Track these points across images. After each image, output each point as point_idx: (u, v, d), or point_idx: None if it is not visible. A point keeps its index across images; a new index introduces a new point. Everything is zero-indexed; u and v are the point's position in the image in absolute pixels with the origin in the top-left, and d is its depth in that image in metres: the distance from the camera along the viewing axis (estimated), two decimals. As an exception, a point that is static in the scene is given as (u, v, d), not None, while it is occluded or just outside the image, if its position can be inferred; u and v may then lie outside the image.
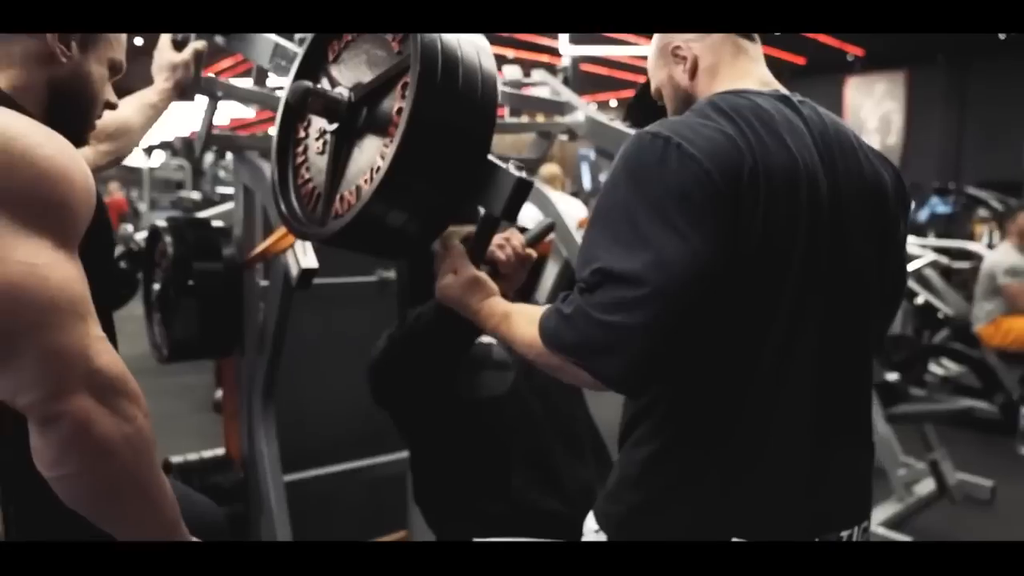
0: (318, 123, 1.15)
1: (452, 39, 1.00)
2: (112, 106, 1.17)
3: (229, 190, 6.11)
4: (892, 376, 3.56)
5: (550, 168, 4.51)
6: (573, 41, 11.57)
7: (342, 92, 1.08)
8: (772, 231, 0.92)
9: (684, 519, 0.97)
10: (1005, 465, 3.88)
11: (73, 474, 0.83)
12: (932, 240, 5.16)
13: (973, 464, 3.63)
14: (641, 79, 1.29)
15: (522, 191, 1.03)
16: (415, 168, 0.97)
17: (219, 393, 2.89)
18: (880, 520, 3.03)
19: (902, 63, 14.70)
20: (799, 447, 0.97)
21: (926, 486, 3.30)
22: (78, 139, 1.03)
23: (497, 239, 1.29)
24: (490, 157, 1.05)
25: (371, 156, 1.04)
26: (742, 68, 1.08)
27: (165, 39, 1.59)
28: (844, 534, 1.01)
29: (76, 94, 1.05)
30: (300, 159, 1.18)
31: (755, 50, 1.11)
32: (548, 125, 2.08)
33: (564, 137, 2.14)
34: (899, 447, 3.40)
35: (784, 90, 1.07)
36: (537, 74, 2.19)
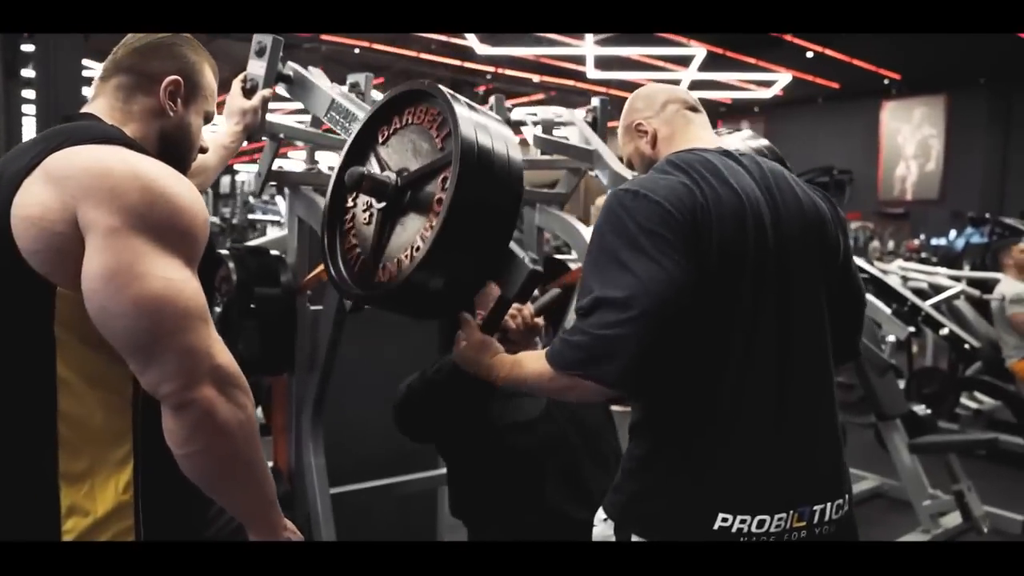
0: (365, 197, 1.36)
1: (487, 138, 1.22)
2: (204, 150, 1.42)
3: (261, 216, 6.45)
4: (920, 409, 3.72)
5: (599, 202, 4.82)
6: (598, 67, 11.86)
7: (390, 176, 1.29)
8: (725, 256, 1.20)
9: (672, 501, 1.24)
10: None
11: (199, 451, 1.06)
12: (963, 272, 5.30)
13: (1006, 499, 3.74)
14: None
15: (534, 280, 1.26)
16: (449, 252, 1.19)
17: (258, 414, 3.14)
18: (905, 550, 3.19)
19: (941, 87, 14.67)
20: (763, 439, 1.23)
21: (954, 519, 3.44)
22: None
23: (511, 310, 1.53)
24: (511, 246, 1.28)
25: (412, 234, 1.25)
26: (692, 134, 1.41)
27: (236, 87, 1.85)
28: (817, 508, 1.25)
29: (180, 141, 1.30)
30: (348, 225, 1.39)
31: (701, 119, 1.45)
32: (576, 162, 2.31)
33: (593, 173, 2.37)
34: (927, 480, 3.56)
35: (725, 147, 1.37)
36: (567, 114, 2.42)
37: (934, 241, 13.12)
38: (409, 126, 1.34)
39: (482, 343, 1.39)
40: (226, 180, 12.10)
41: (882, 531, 3.39)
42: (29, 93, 9.65)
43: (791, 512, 1.23)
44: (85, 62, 8.24)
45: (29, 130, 11.88)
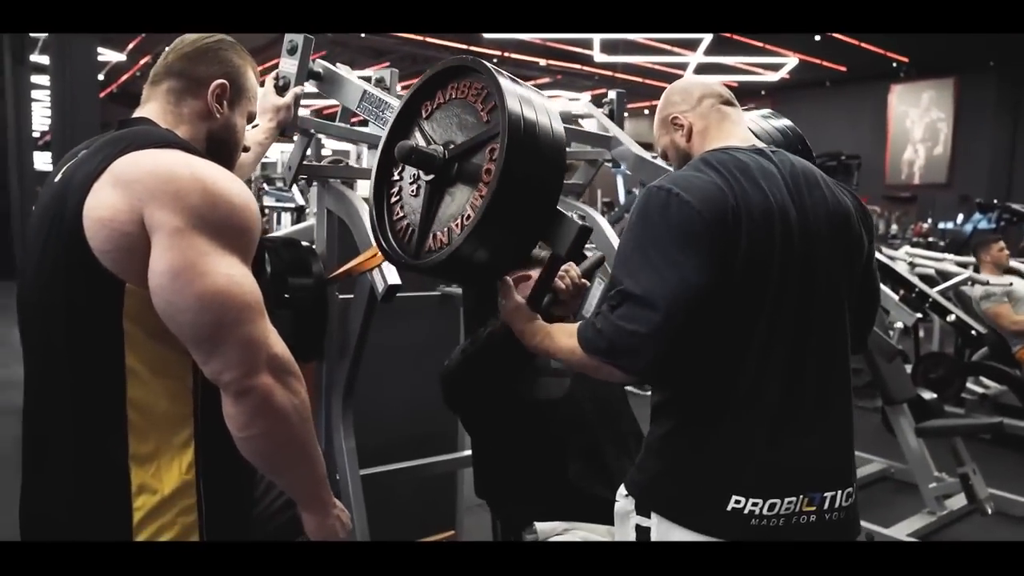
0: (411, 169, 1.42)
1: (531, 111, 1.28)
2: (247, 149, 1.50)
3: (274, 204, 6.54)
4: (927, 394, 3.79)
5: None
6: (604, 51, 11.87)
7: (437, 149, 1.36)
8: (753, 255, 1.27)
9: (688, 482, 1.32)
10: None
11: (258, 435, 1.15)
12: (971, 258, 5.35)
13: (1011, 482, 3.83)
14: (654, 83, 1.66)
15: (583, 236, 1.32)
16: (500, 219, 1.25)
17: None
18: (912, 531, 3.28)
19: (950, 70, 14.69)
20: (780, 425, 1.30)
21: (959, 501, 3.52)
22: None
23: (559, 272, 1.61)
24: (558, 207, 1.35)
25: (460, 204, 1.32)
26: (726, 130, 1.48)
27: (269, 85, 1.93)
28: (828, 495, 1.33)
29: (226, 141, 1.38)
30: (395, 199, 1.46)
31: (736, 114, 1.50)
32: (594, 153, 2.39)
33: (609, 164, 2.45)
34: (933, 463, 3.65)
35: (760, 144, 1.43)
36: (584, 106, 2.50)
37: (942, 225, 13.16)
38: (453, 101, 1.40)
39: (519, 307, 1.48)
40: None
41: (888, 513, 3.48)
42: (37, 79, 9.72)
43: (801, 497, 1.30)
44: (100, 49, 8.30)
45: (38, 116, 11.93)
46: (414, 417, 2.66)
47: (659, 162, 2.01)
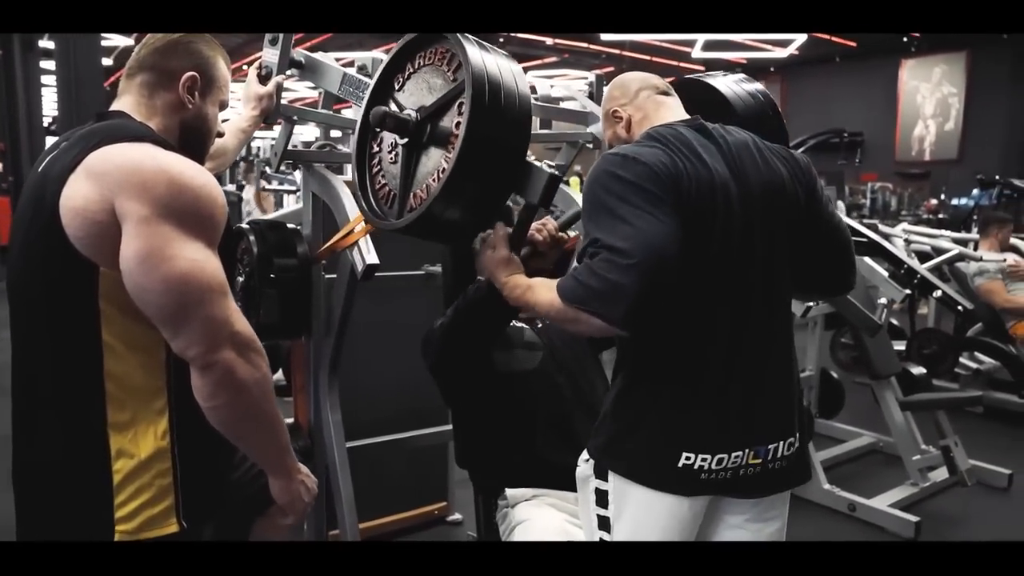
0: (388, 139, 1.51)
1: (494, 67, 1.36)
2: (220, 135, 1.59)
3: (276, 187, 6.64)
4: (917, 369, 3.86)
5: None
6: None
7: (410, 113, 1.44)
8: (698, 218, 1.35)
9: (641, 441, 1.41)
10: (1028, 456, 4.14)
11: (221, 405, 1.26)
12: (969, 235, 5.40)
13: (995, 454, 3.91)
14: (661, 61, 1.73)
15: (554, 183, 1.41)
16: (472, 170, 1.34)
17: (278, 376, 3.35)
18: (893, 501, 3.37)
19: (963, 44, 14.49)
20: (725, 383, 1.40)
21: (942, 473, 3.59)
22: (200, 161, 1.43)
23: (535, 225, 1.69)
24: (528, 158, 1.43)
25: (436, 162, 1.40)
26: (662, 115, 1.56)
27: (252, 74, 2.02)
28: (771, 446, 1.43)
29: (199, 130, 1.47)
30: (375, 168, 1.54)
31: (672, 101, 1.59)
32: (575, 135, 2.47)
33: (590, 145, 2.53)
34: (920, 436, 3.73)
35: (696, 120, 1.50)
36: (564, 89, 2.58)
37: (954, 201, 13.09)
38: (422, 68, 1.48)
39: (505, 259, 1.55)
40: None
41: (874, 484, 3.56)
42: (46, 64, 9.82)
43: (747, 450, 1.40)
44: (107, 34, 8.38)
45: (48, 101, 12.03)
46: (405, 392, 2.77)
47: None
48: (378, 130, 1.54)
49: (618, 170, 1.34)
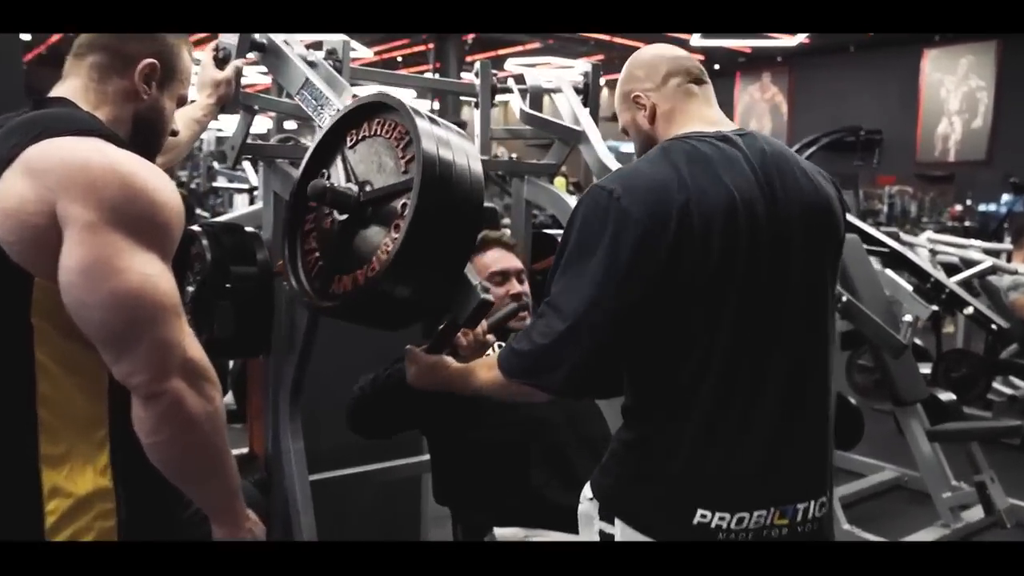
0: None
1: (448, 169, 1.38)
2: (175, 133, 1.57)
3: (226, 184, 6.60)
4: (944, 395, 3.90)
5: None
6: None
7: (352, 189, 1.47)
8: (711, 257, 1.34)
9: (653, 493, 1.41)
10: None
11: (165, 440, 1.24)
12: (1002, 245, 5.49)
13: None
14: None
15: (483, 308, 1.46)
16: (401, 280, 1.38)
17: (227, 399, 3.33)
18: (921, 544, 3.41)
19: (992, 32, 14.77)
20: (748, 435, 1.39)
21: (976, 513, 3.62)
22: (150, 160, 1.41)
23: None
24: (466, 271, 1.46)
25: (371, 249, 1.43)
26: (693, 113, 1.53)
27: (208, 58, 2.01)
28: (800, 506, 1.42)
29: (153, 124, 1.45)
30: (310, 226, 1.57)
31: (704, 93, 1.56)
32: (568, 130, 2.48)
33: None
34: (950, 471, 3.76)
35: (726, 129, 1.49)
36: (558, 80, 2.59)
37: (982, 207, 13.25)
38: (376, 136, 1.51)
39: (431, 366, 1.61)
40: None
41: (900, 525, 3.59)
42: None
43: (772, 509, 1.39)
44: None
45: None
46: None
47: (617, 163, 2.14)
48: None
49: (597, 213, 1.37)
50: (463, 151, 1.43)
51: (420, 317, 1.55)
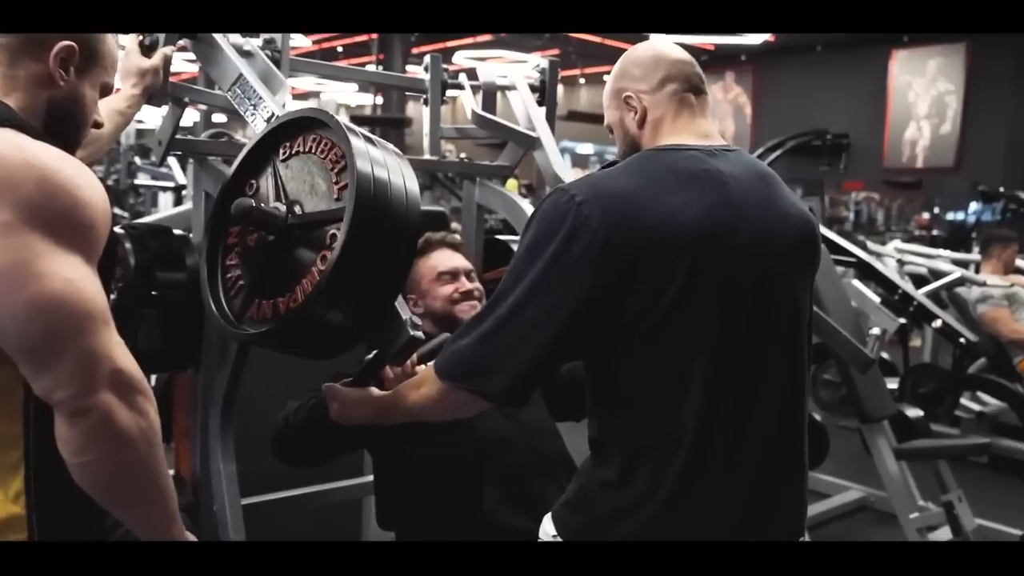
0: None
1: (383, 193, 1.38)
2: (99, 125, 1.54)
3: (149, 182, 6.49)
4: (912, 411, 3.98)
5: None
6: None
7: (280, 209, 1.47)
8: (675, 274, 1.34)
9: (629, 534, 1.39)
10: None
11: (94, 461, 1.20)
12: (971, 256, 5.62)
13: (1005, 513, 4.02)
14: (615, 44, 1.79)
15: (412, 345, 1.48)
16: (326, 310, 1.39)
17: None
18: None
19: (961, 34, 14.98)
20: (727, 479, 1.39)
21: (944, 534, 3.66)
22: (70, 154, 1.39)
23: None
24: (397, 304, 1.47)
25: (294, 277, 1.43)
26: (682, 125, 1.51)
27: (133, 44, 1.98)
28: None
29: (71, 114, 1.41)
30: (233, 239, 1.56)
31: (701, 103, 1.55)
32: (522, 133, 2.49)
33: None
34: (917, 490, 3.83)
35: (714, 143, 1.49)
36: (513, 76, 2.59)
37: (950, 215, 13.53)
38: (311, 153, 1.51)
39: (355, 401, 1.61)
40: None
41: (865, 548, 3.65)
42: None
43: None
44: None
45: None
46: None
47: (577, 172, 2.14)
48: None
49: (555, 220, 1.37)
50: (399, 172, 1.43)
51: (344, 349, 1.54)
